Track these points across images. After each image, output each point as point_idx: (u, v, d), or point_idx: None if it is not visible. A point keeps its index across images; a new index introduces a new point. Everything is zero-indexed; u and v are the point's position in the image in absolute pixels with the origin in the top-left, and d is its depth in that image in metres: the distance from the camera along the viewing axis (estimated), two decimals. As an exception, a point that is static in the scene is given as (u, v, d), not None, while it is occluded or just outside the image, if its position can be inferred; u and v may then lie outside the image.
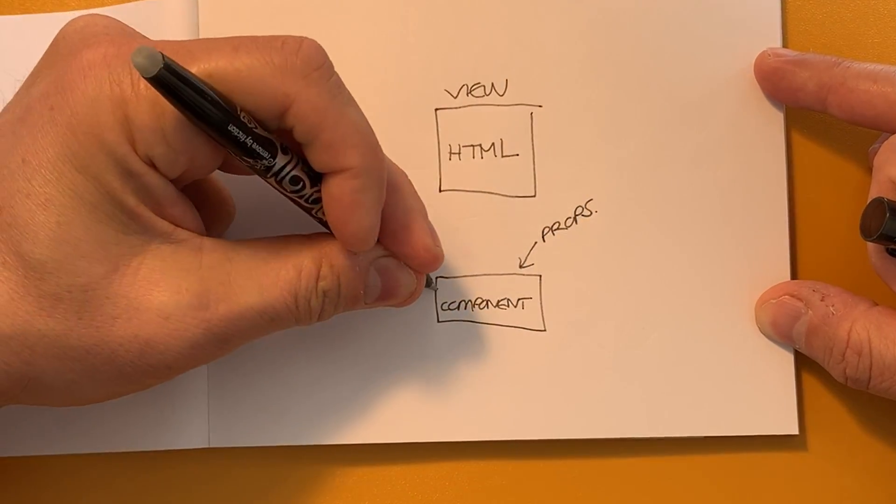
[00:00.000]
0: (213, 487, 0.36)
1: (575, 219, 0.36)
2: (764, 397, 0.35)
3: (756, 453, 0.36)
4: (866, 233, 0.30)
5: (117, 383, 0.28)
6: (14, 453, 0.35)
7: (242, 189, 0.34)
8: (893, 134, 0.32)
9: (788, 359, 0.35)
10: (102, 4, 0.37)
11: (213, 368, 0.35)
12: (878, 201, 0.30)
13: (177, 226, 0.28)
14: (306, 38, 0.27)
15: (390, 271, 0.31)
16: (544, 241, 0.36)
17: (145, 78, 0.24)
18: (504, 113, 0.36)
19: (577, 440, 0.35)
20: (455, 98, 0.36)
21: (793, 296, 0.34)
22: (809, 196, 0.36)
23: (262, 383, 0.35)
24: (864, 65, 0.33)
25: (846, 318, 0.32)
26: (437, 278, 0.36)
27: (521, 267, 0.36)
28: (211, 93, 0.26)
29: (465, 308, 0.36)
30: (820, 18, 0.37)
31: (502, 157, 0.36)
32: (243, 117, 0.26)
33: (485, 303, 0.36)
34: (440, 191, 0.36)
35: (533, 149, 0.36)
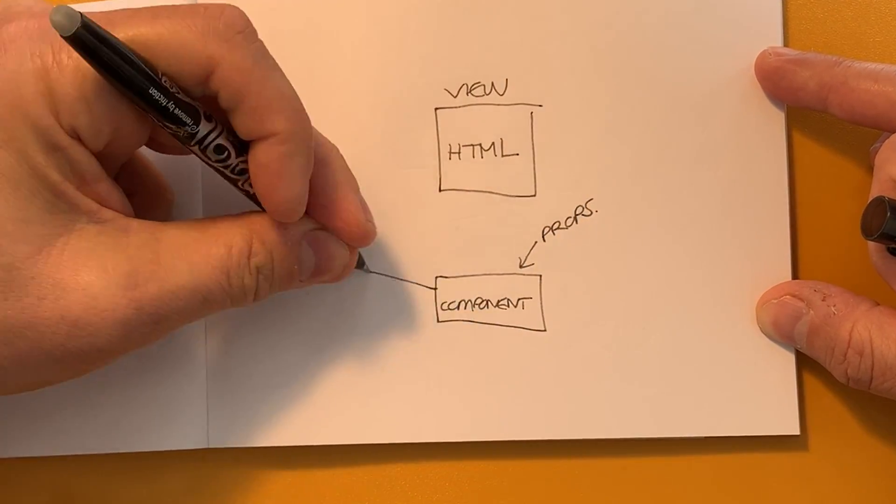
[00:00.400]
0: (213, 488, 0.36)
1: (575, 218, 0.36)
2: (765, 397, 0.35)
3: (757, 454, 0.36)
4: (867, 232, 0.30)
5: (47, 368, 0.28)
6: (11, 454, 0.35)
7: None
8: (894, 133, 0.32)
9: (790, 359, 0.35)
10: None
11: (212, 369, 0.35)
12: (879, 200, 0.30)
13: (102, 205, 0.28)
14: (228, 4, 0.27)
15: (322, 243, 0.31)
16: (544, 240, 0.36)
17: (63, 37, 0.24)
18: (504, 112, 0.36)
19: (578, 440, 0.35)
20: (455, 97, 0.36)
21: (794, 296, 0.34)
22: (810, 195, 0.36)
23: (261, 383, 0.35)
24: (865, 64, 0.33)
25: (848, 318, 0.32)
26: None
27: (521, 267, 0.36)
28: (130, 54, 0.25)
29: (465, 308, 0.36)
30: (821, 17, 0.37)
31: (502, 156, 0.36)
32: (165, 82, 0.26)
33: (485, 303, 0.36)
34: (440, 190, 0.36)
35: (533, 148, 0.36)
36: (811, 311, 0.33)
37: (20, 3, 0.29)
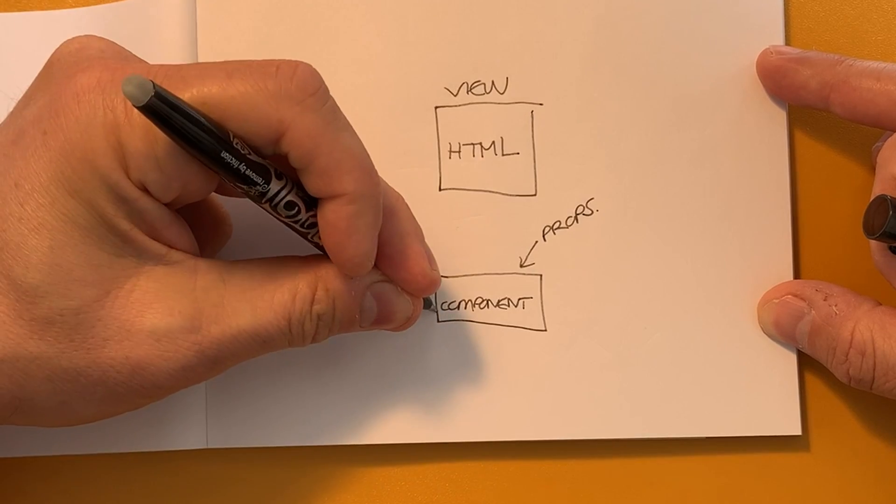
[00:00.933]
0: (212, 488, 0.36)
1: (576, 218, 0.35)
2: (766, 398, 0.35)
3: (758, 454, 0.36)
4: (869, 230, 0.30)
5: (108, 403, 0.28)
6: (10, 454, 0.35)
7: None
8: (896, 132, 0.32)
9: (791, 359, 0.35)
10: (100, 1, 0.37)
11: None
12: (882, 199, 0.30)
13: (171, 247, 0.28)
14: (301, 62, 0.27)
15: (387, 296, 0.31)
16: (545, 240, 0.35)
17: (136, 107, 0.24)
18: (504, 111, 0.36)
19: (579, 441, 0.35)
20: (455, 96, 0.36)
21: (795, 295, 0.34)
22: (812, 195, 0.36)
23: (260, 384, 0.35)
24: (867, 63, 0.33)
25: (849, 318, 0.32)
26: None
27: (521, 266, 0.35)
28: (203, 120, 0.25)
29: (466, 308, 0.35)
30: (822, 16, 0.37)
31: (503, 155, 0.35)
32: (236, 143, 0.26)
33: (485, 302, 0.35)
34: (440, 189, 0.36)
35: (533, 147, 0.35)
36: (813, 311, 0.33)
37: (91, 45, 0.29)
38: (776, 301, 0.34)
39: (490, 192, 0.36)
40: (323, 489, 0.36)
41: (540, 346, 0.35)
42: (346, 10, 0.36)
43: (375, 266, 0.30)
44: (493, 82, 0.36)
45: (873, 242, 0.32)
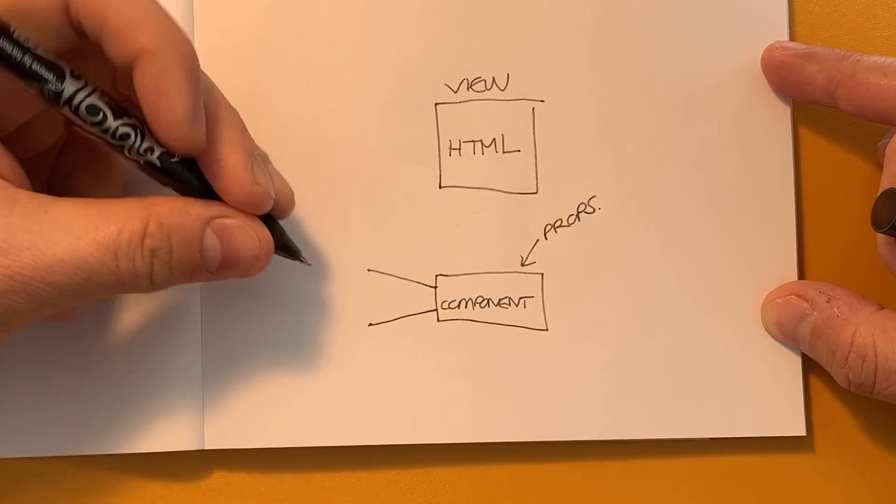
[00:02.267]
0: (208, 490, 0.36)
1: (578, 216, 0.35)
2: (770, 398, 0.35)
3: (762, 455, 0.36)
4: (877, 224, 0.30)
5: None
6: (5, 455, 0.35)
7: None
8: (904, 128, 0.32)
9: (795, 359, 0.35)
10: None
11: (207, 368, 0.35)
12: (890, 192, 0.30)
13: None
14: None
15: (229, 232, 0.30)
16: (546, 238, 0.35)
17: None
18: (505, 108, 0.35)
19: (580, 442, 0.35)
20: (455, 92, 0.35)
21: (799, 296, 0.34)
22: (817, 193, 0.36)
23: (257, 384, 0.35)
24: (874, 58, 0.33)
25: (851, 322, 0.32)
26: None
27: (522, 265, 0.35)
28: None
29: (466, 307, 0.35)
30: (827, 11, 0.37)
31: (503, 152, 0.35)
32: (18, 35, 0.25)
33: (486, 301, 0.35)
34: (440, 187, 0.35)
35: (535, 144, 0.35)
36: (815, 313, 0.33)
37: None
38: (779, 301, 0.34)
39: (491, 189, 0.35)
40: (320, 491, 0.36)
41: (541, 346, 0.35)
42: (345, 5, 0.35)
43: (215, 202, 0.29)
44: (493, 79, 0.35)
45: (880, 237, 0.32)
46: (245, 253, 0.30)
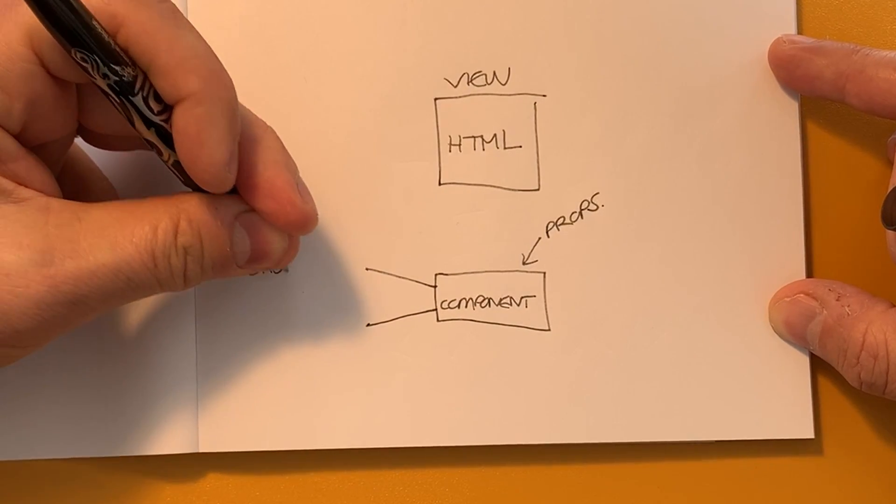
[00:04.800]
0: (203, 493, 0.36)
1: (580, 213, 0.35)
2: (778, 400, 0.35)
3: (770, 458, 0.35)
4: (888, 221, 0.30)
5: None
6: (-3, 458, 0.35)
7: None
8: (915, 123, 0.31)
9: (804, 359, 0.35)
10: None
11: (202, 370, 0.35)
12: (902, 189, 0.29)
13: (20, 184, 0.28)
14: None
15: (258, 227, 0.30)
16: (548, 236, 0.35)
17: None
18: (506, 103, 0.35)
19: (583, 444, 0.35)
20: (455, 87, 0.35)
21: (808, 294, 0.34)
22: (826, 189, 0.36)
23: (252, 386, 0.35)
24: (885, 52, 0.32)
25: (862, 320, 0.32)
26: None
27: (524, 264, 0.35)
28: None
29: (466, 306, 0.35)
30: (837, 4, 0.36)
31: (505, 148, 0.35)
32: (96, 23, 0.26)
33: (486, 301, 0.35)
34: (440, 184, 0.35)
35: (537, 140, 0.35)
36: (824, 311, 0.33)
37: None
38: (787, 300, 0.34)
39: (491, 186, 0.35)
40: (317, 495, 0.36)
41: (543, 347, 0.35)
42: (342, -3, 0.35)
43: (242, 197, 0.30)
44: (494, 73, 0.35)
45: (890, 234, 0.32)
46: (274, 245, 0.31)
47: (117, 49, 0.26)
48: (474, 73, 0.35)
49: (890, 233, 0.31)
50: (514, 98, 0.35)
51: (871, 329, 0.31)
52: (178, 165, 0.29)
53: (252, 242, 0.30)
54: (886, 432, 0.35)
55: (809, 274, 0.35)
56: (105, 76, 0.26)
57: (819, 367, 0.35)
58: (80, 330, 0.34)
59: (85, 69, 0.26)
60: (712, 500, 0.35)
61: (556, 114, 0.35)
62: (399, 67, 0.35)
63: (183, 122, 0.27)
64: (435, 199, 0.35)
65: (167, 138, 0.28)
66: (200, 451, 0.35)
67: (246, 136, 0.29)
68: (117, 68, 0.26)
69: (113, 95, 0.27)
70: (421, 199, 0.35)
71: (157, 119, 0.28)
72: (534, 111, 0.35)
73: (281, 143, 0.31)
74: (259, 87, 0.35)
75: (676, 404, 0.35)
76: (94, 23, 0.26)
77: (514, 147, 0.35)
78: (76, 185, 0.32)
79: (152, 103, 0.27)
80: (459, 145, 0.35)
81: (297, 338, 0.35)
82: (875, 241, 0.35)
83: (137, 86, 0.27)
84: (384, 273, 0.35)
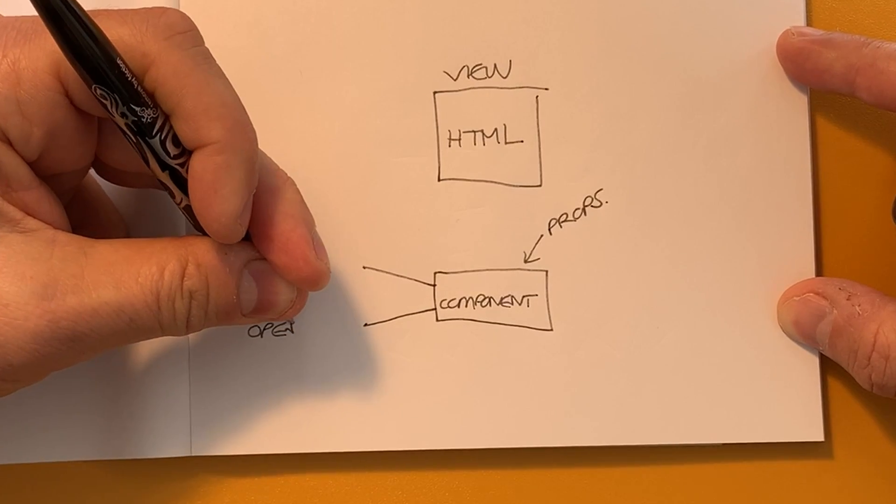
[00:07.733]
0: (195, 496, 0.35)
1: (584, 210, 0.35)
2: (787, 402, 0.34)
3: (778, 461, 0.35)
4: None
5: None
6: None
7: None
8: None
9: (813, 360, 0.35)
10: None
11: (195, 374, 0.35)
12: (914, 186, 0.29)
13: (28, 214, 0.28)
14: (173, 8, 0.28)
15: (266, 276, 0.30)
16: (551, 233, 0.35)
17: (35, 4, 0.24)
18: (507, 96, 0.35)
19: (587, 447, 0.35)
20: (455, 80, 0.35)
21: (817, 293, 0.33)
22: (835, 186, 0.35)
23: (245, 389, 0.35)
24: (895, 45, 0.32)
25: (873, 320, 0.31)
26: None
27: (526, 262, 0.35)
28: (95, 27, 0.25)
29: (467, 306, 0.35)
30: None
31: (506, 143, 0.35)
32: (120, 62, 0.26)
33: (487, 300, 0.35)
34: (439, 179, 0.35)
35: (538, 135, 0.35)
36: (835, 311, 0.33)
37: None
38: (797, 299, 0.34)
39: (492, 182, 0.35)
40: (312, 498, 0.35)
41: (545, 347, 0.35)
42: (339, -12, 0.35)
43: (254, 245, 0.30)
44: (495, 66, 0.35)
45: None
46: (281, 296, 0.30)
47: (140, 90, 0.26)
48: (474, 66, 0.35)
49: (900, 230, 0.31)
50: (515, 91, 0.35)
51: (882, 329, 0.31)
52: (189, 210, 0.29)
53: (259, 291, 0.30)
54: (897, 435, 0.36)
55: (819, 272, 0.35)
56: (124, 115, 0.26)
57: (829, 367, 0.35)
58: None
59: (104, 105, 0.26)
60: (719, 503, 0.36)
61: (559, 107, 0.35)
62: (397, 60, 0.35)
63: (200, 169, 0.27)
64: (434, 195, 0.35)
65: (181, 182, 0.28)
66: (193, 454, 0.34)
67: (265, 186, 0.29)
68: (137, 109, 0.26)
69: (130, 135, 0.27)
70: (420, 195, 0.35)
71: (172, 163, 0.28)
72: (535, 105, 0.35)
73: (300, 195, 0.31)
74: (253, 79, 0.34)
75: (682, 406, 0.34)
76: (119, 61, 0.26)
77: (516, 142, 0.35)
78: (85, 214, 0.32)
79: (170, 146, 0.27)
80: (459, 140, 0.35)
81: (291, 339, 0.35)
82: (886, 239, 0.35)
83: (156, 127, 0.27)
84: (382, 271, 0.35)
